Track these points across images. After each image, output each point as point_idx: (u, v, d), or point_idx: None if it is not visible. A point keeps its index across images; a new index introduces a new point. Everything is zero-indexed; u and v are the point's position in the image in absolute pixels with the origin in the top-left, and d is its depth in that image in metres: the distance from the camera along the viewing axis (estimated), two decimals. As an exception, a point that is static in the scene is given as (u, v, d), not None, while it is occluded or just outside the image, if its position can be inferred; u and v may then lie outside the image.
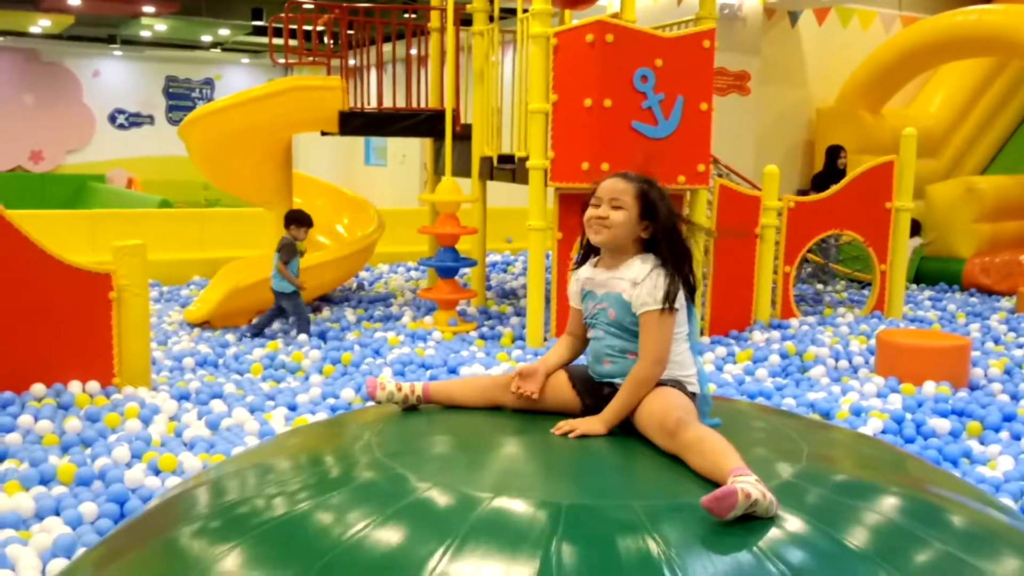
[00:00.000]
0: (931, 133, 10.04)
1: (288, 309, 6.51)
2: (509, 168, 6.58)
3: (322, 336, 6.45)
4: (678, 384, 2.39)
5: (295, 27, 7.39)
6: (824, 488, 2.05)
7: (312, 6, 7.74)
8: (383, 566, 1.71)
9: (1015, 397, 5.11)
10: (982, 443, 4.37)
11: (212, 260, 8.86)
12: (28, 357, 4.68)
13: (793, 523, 1.85)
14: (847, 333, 6.53)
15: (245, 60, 22.50)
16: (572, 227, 5.87)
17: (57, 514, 3.36)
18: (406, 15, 7.90)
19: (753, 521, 1.82)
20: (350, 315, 7.13)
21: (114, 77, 21.44)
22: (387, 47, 10.36)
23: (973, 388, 5.29)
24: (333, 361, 5.72)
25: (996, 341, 6.56)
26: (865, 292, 8.39)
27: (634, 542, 1.74)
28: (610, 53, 5.71)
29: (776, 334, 6.52)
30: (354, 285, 8.54)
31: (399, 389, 2.57)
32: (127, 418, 4.43)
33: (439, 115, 7.27)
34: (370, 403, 2.75)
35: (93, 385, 4.81)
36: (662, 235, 2.43)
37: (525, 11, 6.15)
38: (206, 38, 18.92)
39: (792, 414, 3.00)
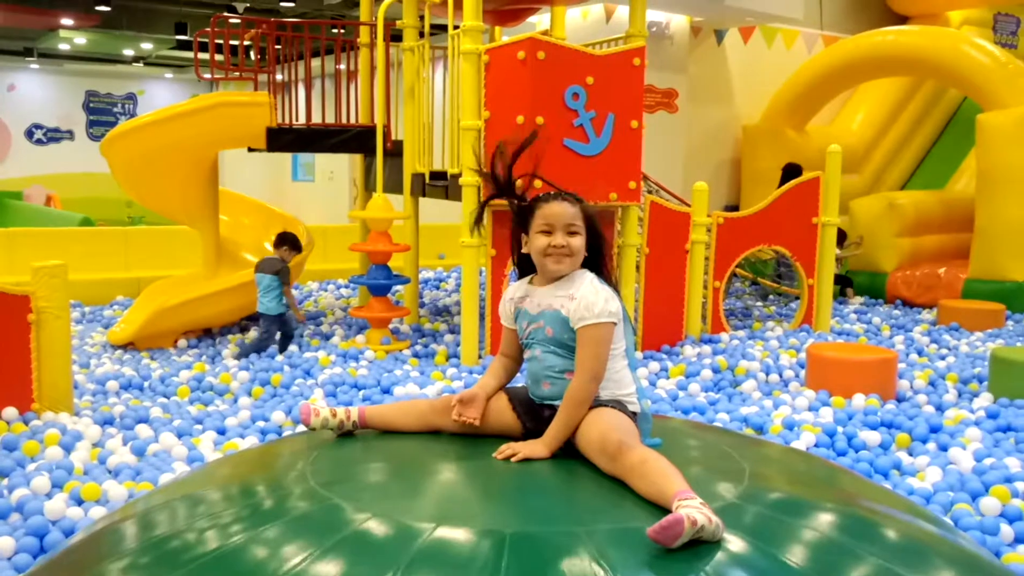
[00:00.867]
0: (853, 150, 10.31)
1: (262, 327, 6.47)
2: (442, 185, 6.54)
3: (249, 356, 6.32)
4: (618, 404, 2.37)
5: (221, 41, 7.26)
6: (767, 508, 2.06)
7: (239, 20, 7.61)
8: (322, 602, 1.65)
9: (940, 408, 5.23)
10: (911, 454, 4.45)
11: (136, 280, 8.67)
12: (-60, 384, 4.48)
13: (738, 545, 1.85)
14: (777, 347, 6.62)
15: (169, 75, 22.11)
16: (505, 244, 5.85)
17: (-29, 550, 3.20)
18: (335, 30, 7.82)
19: (700, 545, 1.81)
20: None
21: (31, 91, 20.87)
22: (315, 62, 10.25)
23: (900, 400, 5.40)
24: (262, 382, 5.59)
25: (920, 353, 6.72)
26: (793, 306, 8.53)
27: (581, 570, 1.71)
28: (542, 70, 5.72)
29: (707, 348, 6.59)
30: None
31: (334, 415, 2.51)
32: (47, 445, 4.25)
33: (369, 131, 7.20)
34: (302, 428, 2.68)
35: (10, 411, 4.62)
36: (599, 250, 2.46)
37: (456, 27, 6.13)
38: (128, 52, 18.54)
39: (729, 431, 3.02)
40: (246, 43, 7.57)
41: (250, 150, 7.25)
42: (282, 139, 7.05)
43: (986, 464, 4.10)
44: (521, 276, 2.56)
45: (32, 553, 3.20)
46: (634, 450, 2.12)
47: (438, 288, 9.65)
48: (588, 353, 2.34)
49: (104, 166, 7.43)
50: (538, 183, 2.54)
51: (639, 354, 6.41)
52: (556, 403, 2.39)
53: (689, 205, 7.02)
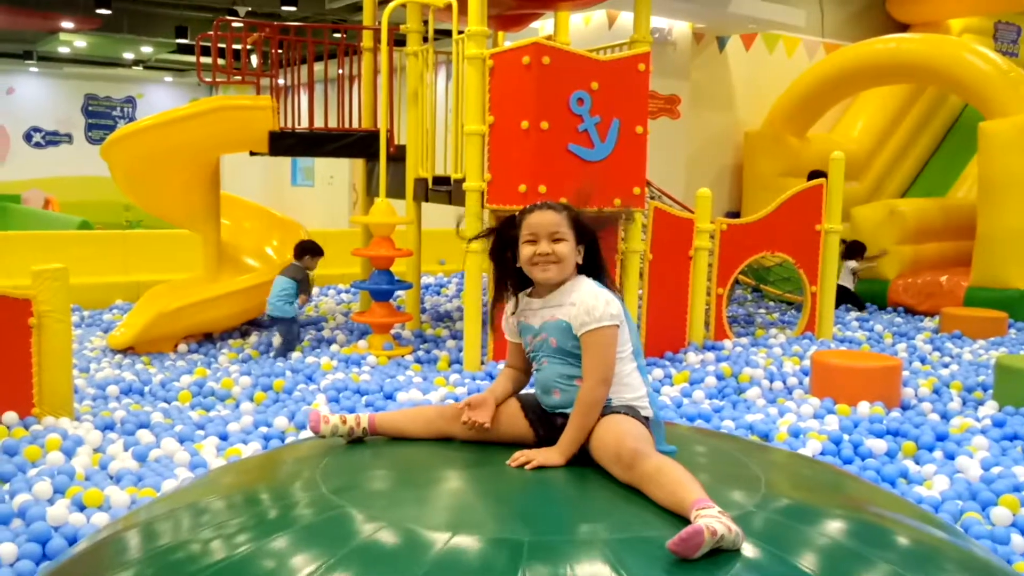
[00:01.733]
0: (854, 157, 10.28)
1: (281, 330, 6.59)
2: (445, 190, 6.52)
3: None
4: (631, 410, 2.35)
5: (223, 45, 7.23)
6: (785, 516, 2.04)
7: (241, 24, 7.58)
8: (335, 615, 1.62)
9: (945, 416, 5.21)
10: (917, 463, 4.42)
11: (135, 284, 8.63)
12: (-60, 388, 4.44)
13: (755, 553, 1.83)
14: (780, 354, 6.59)
15: (168, 78, 22.07)
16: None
17: (-28, 556, 3.16)
18: (337, 35, 7.79)
19: (718, 554, 1.78)
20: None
21: (30, 94, 20.83)
22: (318, 66, 10.23)
23: (905, 408, 5.37)
24: (264, 388, 5.56)
25: (923, 361, 6.70)
26: (795, 313, 8.51)
27: (601, 580, 1.68)
28: (547, 75, 5.70)
29: (711, 355, 6.56)
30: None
31: (344, 422, 2.48)
32: (48, 451, 4.22)
33: (372, 136, 7.17)
34: (305, 432, 2.65)
35: (11, 416, 4.58)
36: (593, 253, 2.45)
37: (460, 32, 6.11)
38: (128, 55, 18.50)
39: (737, 437, 3.00)
40: (248, 47, 7.54)
41: (252, 154, 7.23)
42: (284, 143, 7.03)
43: (994, 473, 4.07)
44: (519, 290, 2.55)
45: (35, 559, 3.16)
46: (650, 458, 2.09)
47: (439, 294, 9.62)
48: (594, 358, 2.32)
49: (103, 169, 7.40)
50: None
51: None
52: (568, 411, 2.36)
53: (691, 211, 7.00)
